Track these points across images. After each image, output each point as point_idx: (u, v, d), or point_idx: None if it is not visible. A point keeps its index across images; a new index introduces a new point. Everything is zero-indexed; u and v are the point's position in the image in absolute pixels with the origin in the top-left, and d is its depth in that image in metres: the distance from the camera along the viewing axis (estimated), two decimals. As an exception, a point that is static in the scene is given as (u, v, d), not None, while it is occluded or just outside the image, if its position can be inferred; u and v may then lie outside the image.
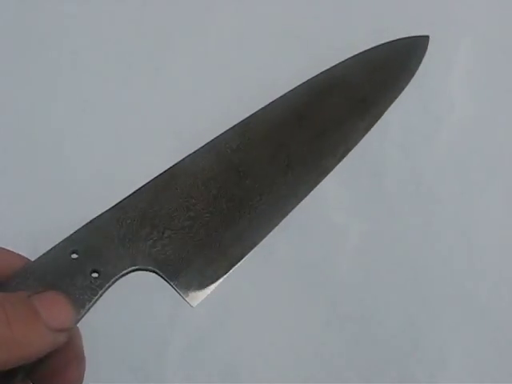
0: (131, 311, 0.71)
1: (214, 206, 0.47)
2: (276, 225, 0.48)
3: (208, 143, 0.50)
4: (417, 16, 0.81)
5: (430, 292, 0.74)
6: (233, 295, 0.72)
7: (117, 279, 0.42)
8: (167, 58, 0.80)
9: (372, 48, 0.56)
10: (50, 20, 0.80)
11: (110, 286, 0.42)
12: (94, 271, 0.42)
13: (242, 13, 0.82)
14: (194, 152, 0.50)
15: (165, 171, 0.48)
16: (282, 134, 0.51)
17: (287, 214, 0.49)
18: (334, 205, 0.74)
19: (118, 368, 0.70)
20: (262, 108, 0.51)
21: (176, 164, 0.48)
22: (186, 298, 0.45)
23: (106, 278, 0.42)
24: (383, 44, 0.56)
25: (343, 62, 0.54)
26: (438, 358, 0.72)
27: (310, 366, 0.71)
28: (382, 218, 0.75)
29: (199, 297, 0.45)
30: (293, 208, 0.49)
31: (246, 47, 0.81)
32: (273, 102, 0.52)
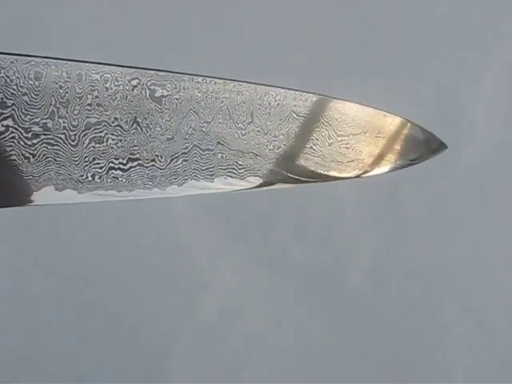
0: (142, 304, 0.68)
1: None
2: None
3: None
4: (447, 37, 0.79)
5: (438, 308, 0.75)
6: (243, 296, 0.70)
7: None
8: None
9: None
10: None
11: None
12: None
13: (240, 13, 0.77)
14: None
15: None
16: None
17: None
18: (351, 216, 0.72)
19: (122, 361, 0.67)
20: None
21: None
22: None
23: None
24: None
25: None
26: (442, 375, 0.72)
27: (313, 373, 0.69)
28: (396, 232, 0.75)
29: None
30: None
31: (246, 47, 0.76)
32: None
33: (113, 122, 0.39)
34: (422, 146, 0.54)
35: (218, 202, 0.67)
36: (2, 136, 0.36)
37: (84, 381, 0.67)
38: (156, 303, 0.70)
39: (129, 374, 0.68)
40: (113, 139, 0.39)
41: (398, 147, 0.52)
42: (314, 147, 0.48)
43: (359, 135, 0.50)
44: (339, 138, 0.49)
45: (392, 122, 0.52)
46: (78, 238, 0.67)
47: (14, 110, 0.36)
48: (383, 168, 0.52)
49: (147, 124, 0.40)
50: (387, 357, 0.74)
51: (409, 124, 0.53)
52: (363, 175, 0.51)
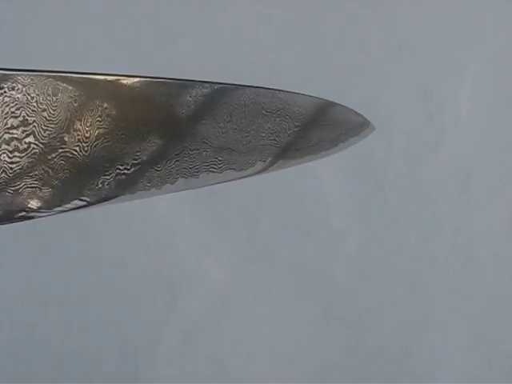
0: (127, 301, 0.67)
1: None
2: None
3: None
4: (431, 28, 0.79)
5: (423, 302, 0.75)
6: (229, 292, 0.70)
7: None
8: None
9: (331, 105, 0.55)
10: None
11: None
12: None
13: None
14: None
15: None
16: None
17: None
18: (336, 210, 0.73)
19: (110, 358, 0.67)
20: None
21: None
22: None
23: None
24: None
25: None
26: (428, 368, 0.74)
27: (300, 367, 0.70)
28: (381, 226, 0.75)
29: None
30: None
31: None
32: None
33: (119, 131, 0.41)
34: (358, 129, 0.61)
35: (202, 197, 0.68)
36: (26, 153, 0.37)
37: (70, 380, 0.67)
38: (141, 301, 0.70)
39: (115, 373, 0.68)
40: (119, 147, 0.41)
41: (340, 132, 0.58)
42: (277, 139, 0.53)
43: (311, 124, 0.56)
44: (296, 129, 0.54)
45: (337, 110, 0.58)
46: (62, 235, 0.66)
47: (34, 126, 0.38)
48: (329, 151, 0.58)
49: (147, 130, 0.43)
50: (374, 350, 0.77)
51: (351, 111, 0.59)
52: (312, 160, 0.57)
